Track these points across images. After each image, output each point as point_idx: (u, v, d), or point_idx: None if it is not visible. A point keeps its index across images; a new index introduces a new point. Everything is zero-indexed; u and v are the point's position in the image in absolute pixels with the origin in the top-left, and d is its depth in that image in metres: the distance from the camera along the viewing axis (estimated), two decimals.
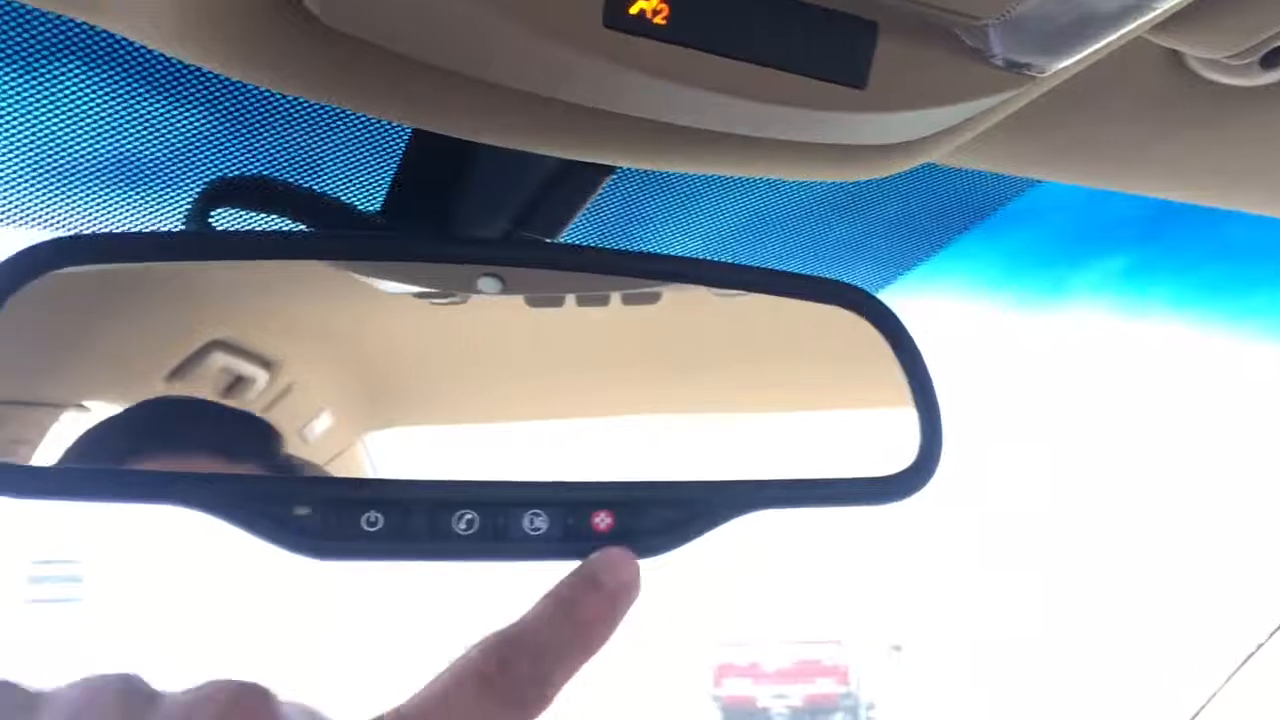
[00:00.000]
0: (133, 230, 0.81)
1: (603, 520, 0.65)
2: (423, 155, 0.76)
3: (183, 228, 0.73)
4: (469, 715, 0.47)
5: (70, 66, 0.71)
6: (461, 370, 0.78)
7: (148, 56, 0.71)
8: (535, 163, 0.73)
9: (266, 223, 0.78)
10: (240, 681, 0.48)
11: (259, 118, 0.75)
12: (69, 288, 0.69)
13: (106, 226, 0.81)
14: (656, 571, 0.66)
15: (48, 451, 0.64)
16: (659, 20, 0.48)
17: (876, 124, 0.59)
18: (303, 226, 0.75)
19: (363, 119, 0.78)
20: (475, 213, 0.77)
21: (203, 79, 0.72)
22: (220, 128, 0.76)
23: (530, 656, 0.49)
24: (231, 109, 0.75)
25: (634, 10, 0.48)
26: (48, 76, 0.70)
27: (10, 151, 0.75)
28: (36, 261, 0.60)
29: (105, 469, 0.65)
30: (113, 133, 0.74)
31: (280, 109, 0.75)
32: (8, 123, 0.72)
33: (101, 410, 0.69)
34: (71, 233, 0.82)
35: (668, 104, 0.54)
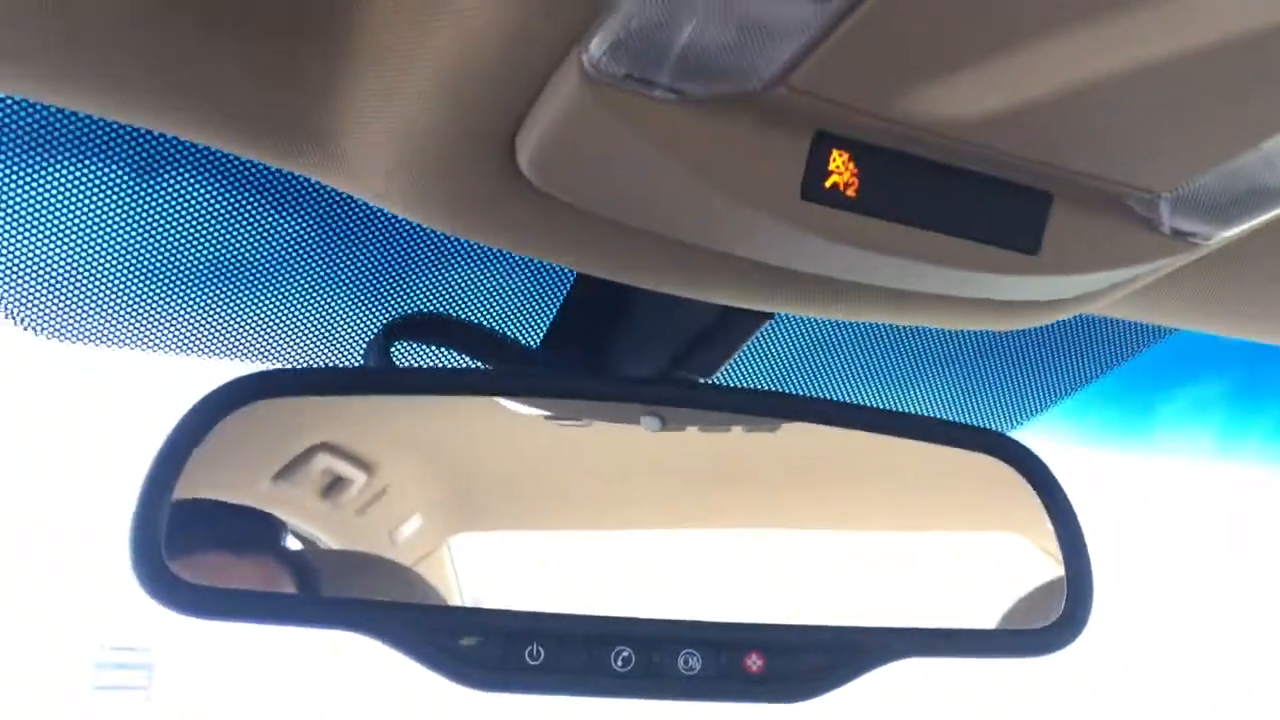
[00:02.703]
0: (322, 366, 0.87)
1: (754, 662, 0.66)
2: (585, 295, 0.80)
3: (364, 360, 0.78)
4: None
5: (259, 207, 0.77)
6: (569, 480, 0.80)
7: (327, 199, 0.77)
8: (692, 306, 0.76)
9: (439, 355, 0.83)
10: None
11: (434, 257, 0.80)
12: None
13: (290, 357, 0.86)
14: None
15: None
16: (850, 193, 0.51)
17: (1046, 286, 0.61)
18: (470, 361, 0.80)
19: (531, 260, 0.82)
20: (632, 351, 0.80)
21: (385, 221, 0.77)
22: (398, 266, 0.81)
23: None
24: (409, 248, 0.80)
25: (828, 184, 0.50)
26: (248, 219, 0.76)
27: (203, 284, 0.80)
28: (244, 392, 0.64)
29: (291, 595, 0.68)
30: (299, 268, 0.80)
31: (454, 249, 0.80)
32: (207, 256, 0.78)
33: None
34: (275, 367, 0.87)
35: (850, 266, 0.57)
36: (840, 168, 0.51)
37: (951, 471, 0.80)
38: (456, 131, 0.51)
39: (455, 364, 0.84)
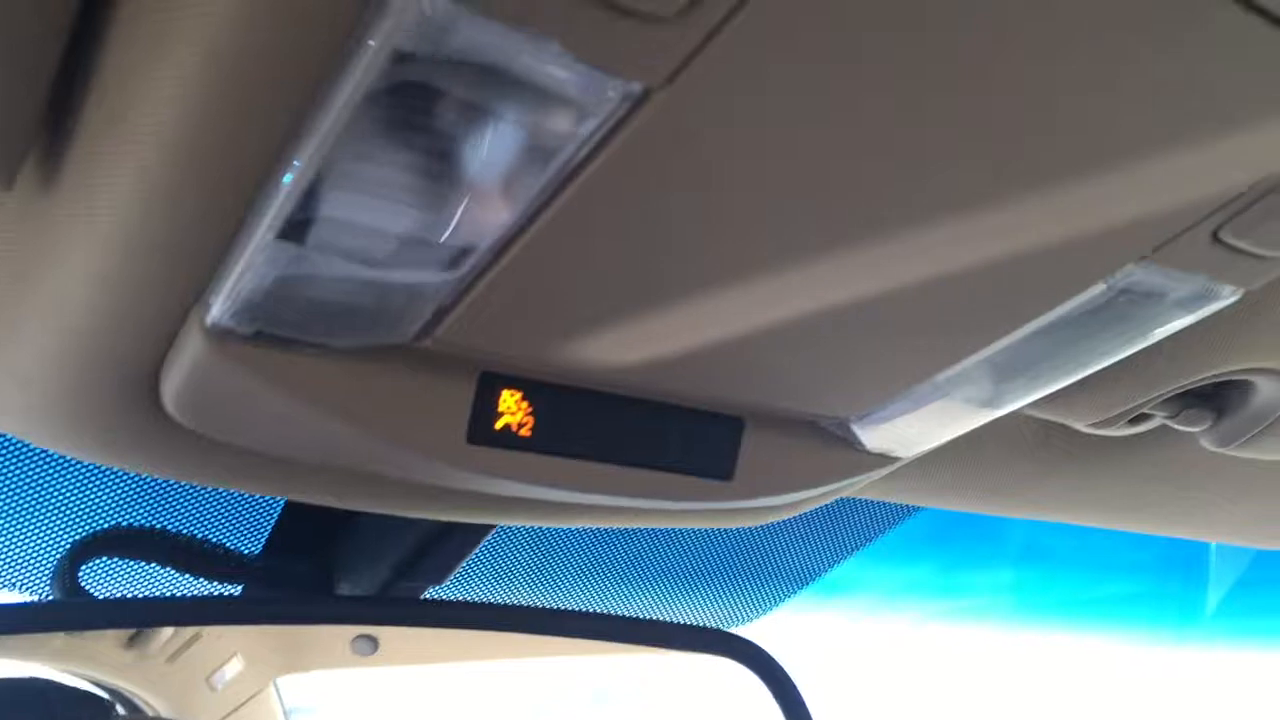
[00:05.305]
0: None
1: None
2: (303, 507, 0.75)
3: (50, 589, 0.71)
4: None
5: None
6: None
7: None
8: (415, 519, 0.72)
9: (143, 570, 0.77)
10: None
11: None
12: None
13: None
14: None
15: None
16: (524, 432, 0.49)
17: (746, 507, 0.60)
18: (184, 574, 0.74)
19: None
20: (356, 560, 0.75)
21: None
22: (95, 479, 0.75)
23: None
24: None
25: (499, 425, 0.48)
26: None
27: None
28: None
29: None
30: None
31: None
32: None
33: None
34: None
35: (539, 497, 0.54)
36: (512, 407, 0.49)
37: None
38: (89, 377, 0.46)
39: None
